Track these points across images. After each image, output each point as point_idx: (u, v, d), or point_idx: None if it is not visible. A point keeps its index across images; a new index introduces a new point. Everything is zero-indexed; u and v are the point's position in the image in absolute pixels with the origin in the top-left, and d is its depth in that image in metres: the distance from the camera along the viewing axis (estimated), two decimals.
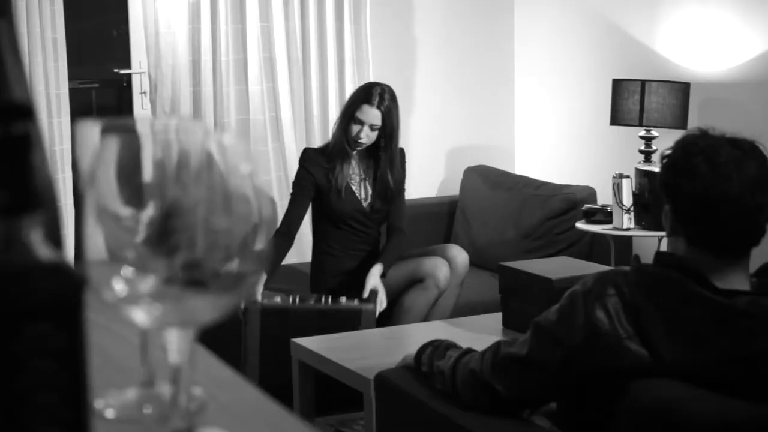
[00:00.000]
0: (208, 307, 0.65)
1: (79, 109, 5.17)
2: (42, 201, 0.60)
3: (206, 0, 4.99)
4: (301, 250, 5.23)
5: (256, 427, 0.84)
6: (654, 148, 4.62)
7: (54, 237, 0.70)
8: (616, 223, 4.56)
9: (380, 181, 4.24)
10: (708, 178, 1.97)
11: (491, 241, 5.05)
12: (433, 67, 5.64)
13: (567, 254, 4.78)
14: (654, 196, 4.35)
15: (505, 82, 5.84)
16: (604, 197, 4.84)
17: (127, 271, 0.63)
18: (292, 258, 5.14)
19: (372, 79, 5.25)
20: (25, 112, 0.59)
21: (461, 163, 5.55)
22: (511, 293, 3.51)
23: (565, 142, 5.60)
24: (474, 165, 5.49)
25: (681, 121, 4.62)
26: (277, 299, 3.95)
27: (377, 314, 4.00)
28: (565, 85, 5.57)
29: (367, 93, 4.20)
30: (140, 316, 0.65)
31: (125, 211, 0.63)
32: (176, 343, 0.66)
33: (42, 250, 0.58)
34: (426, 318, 4.11)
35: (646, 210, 4.46)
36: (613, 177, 4.56)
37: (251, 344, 3.89)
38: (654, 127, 4.67)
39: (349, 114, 4.19)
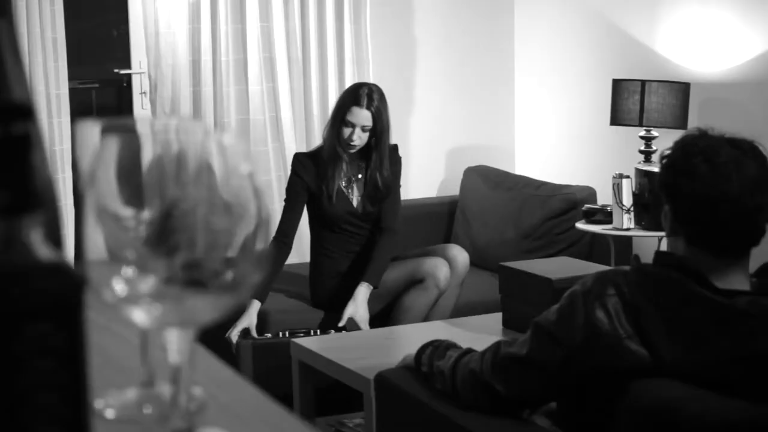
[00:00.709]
0: (208, 307, 0.65)
1: (79, 109, 5.17)
2: (42, 201, 0.60)
3: (206, 0, 4.99)
4: (301, 251, 5.23)
5: (256, 427, 0.84)
6: (654, 148, 4.62)
7: (54, 237, 0.70)
8: (616, 223, 4.56)
9: (371, 182, 4.23)
10: (708, 178, 1.97)
11: (491, 241, 5.05)
12: (433, 67, 5.64)
13: (567, 254, 4.78)
14: (654, 197, 4.35)
15: (505, 82, 5.84)
16: (604, 197, 4.84)
17: (127, 271, 0.63)
18: (292, 258, 5.14)
19: (372, 80, 5.25)
20: (25, 112, 0.59)
21: (461, 163, 5.55)
22: (511, 293, 3.51)
23: (565, 142, 5.60)
24: (474, 165, 5.49)
25: (681, 121, 4.62)
26: (268, 335, 3.97)
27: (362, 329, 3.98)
28: (565, 85, 5.57)
29: (356, 95, 4.18)
30: (140, 316, 0.65)
31: (125, 211, 0.63)
32: (176, 343, 0.66)
33: (42, 250, 0.58)
34: (426, 318, 4.10)
35: (646, 210, 4.46)
36: (613, 177, 4.56)
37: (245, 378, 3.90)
38: (654, 127, 4.67)
39: (339, 117, 4.15)
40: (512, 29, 5.82)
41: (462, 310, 4.16)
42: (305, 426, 0.83)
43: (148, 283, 0.63)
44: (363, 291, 4.05)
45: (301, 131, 5.26)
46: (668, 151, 2.07)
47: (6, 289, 0.56)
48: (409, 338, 3.50)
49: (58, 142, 4.75)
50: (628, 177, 4.54)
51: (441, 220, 5.37)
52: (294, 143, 5.20)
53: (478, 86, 5.76)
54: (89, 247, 0.63)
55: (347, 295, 4.07)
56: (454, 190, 5.50)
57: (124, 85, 5.34)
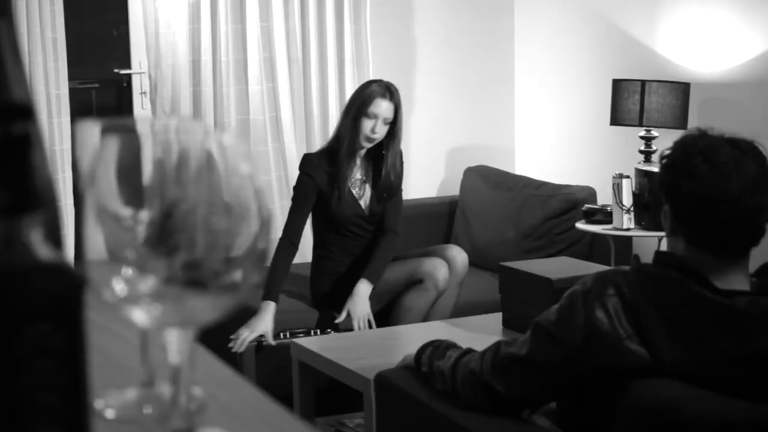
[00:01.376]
0: (208, 307, 0.65)
1: (79, 109, 5.17)
2: (42, 201, 0.60)
3: (206, 0, 4.99)
4: (301, 251, 5.22)
5: (256, 427, 0.84)
6: (654, 148, 4.62)
7: (54, 237, 0.70)
8: (616, 223, 4.56)
9: (384, 182, 4.21)
10: (707, 178, 1.97)
11: (491, 241, 5.05)
12: (433, 67, 5.64)
13: (567, 254, 4.77)
14: (654, 197, 4.35)
15: (505, 82, 5.84)
16: (604, 197, 4.84)
17: (127, 271, 0.63)
18: None
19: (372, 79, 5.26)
20: (25, 112, 0.59)
21: (461, 163, 5.55)
22: (511, 293, 3.51)
23: (565, 142, 5.60)
24: (474, 165, 5.49)
25: (681, 121, 4.62)
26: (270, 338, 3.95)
27: (361, 328, 3.97)
28: (565, 85, 5.57)
29: (380, 86, 4.17)
30: (140, 316, 0.65)
31: (125, 211, 0.63)
32: (176, 343, 0.66)
33: (42, 250, 0.58)
34: (425, 318, 4.10)
35: (646, 210, 4.46)
36: (613, 177, 4.56)
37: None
38: (654, 127, 4.67)
39: (362, 110, 4.10)
40: (512, 29, 5.82)
41: (462, 310, 4.16)
42: (305, 426, 0.83)
43: (148, 283, 0.63)
44: (362, 287, 4.05)
45: (301, 131, 5.26)
46: (668, 151, 2.07)
47: (6, 289, 0.56)
48: (409, 338, 3.50)
49: (58, 142, 4.75)
50: (628, 177, 4.54)
51: (441, 220, 5.37)
52: (294, 143, 5.20)
53: (478, 86, 5.76)
54: (89, 247, 0.63)
55: (347, 295, 4.07)
56: (454, 190, 5.50)
57: (124, 85, 5.34)
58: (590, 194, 4.96)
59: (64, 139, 4.78)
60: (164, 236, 0.62)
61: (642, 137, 4.69)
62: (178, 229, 0.62)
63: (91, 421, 0.60)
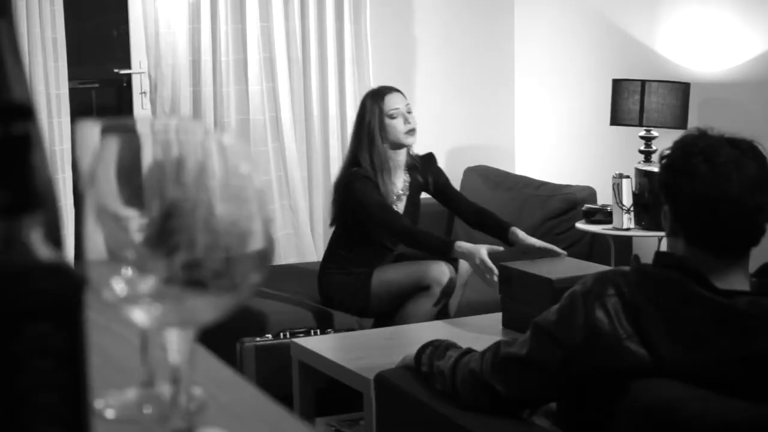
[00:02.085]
0: (208, 307, 0.65)
1: (79, 109, 5.17)
2: (42, 201, 0.60)
3: (206, 0, 4.99)
4: (302, 250, 5.23)
5: (256, 427, 0.84)
6: (654, 148, 4.62)
7: (54, 237, 0.70)
8: (616, 223, 4.56)
9: (427, 184, 4.19)
10: (707, 178, 1.96)
11: (491, 242, 5.04)
12: (433, 67, 5.64)
13: (567, 254, 4.78)
14: (654, 197, 4.35)
15: (505, 82, 5.84)
16: (604, 197, 4.84)
17: (127, 271, 0.63)
18: (291, 258, 5.15)
19: (372, 79, 5.26)
20: (25, 112, 0.59)
21: (461, 163, 5.55)
22: (511, 293, 3.51)
23: (565, 142, 5.60)
24: (474, 165, 5.49)
25: (681, 121, 4.62)
26: (268, 336, 3.95)
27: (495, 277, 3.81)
28: (565, 85, 5.57)
29: (378, 90, 4.16)
30: (140, 316, 0.65)
31: (125, 211, 0.63)
32: (176, 343, 0.66)
33: (42, 250, 0.58)
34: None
35: (646, 210, 4.46)
36: (613, 177, 4.56)
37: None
38: (654, 127, 4.67)
39: (382, 116, 4.05)
40: (512, 29, 5.83)
41: (462, 310, 4.16)
42: (305, 426, 0.83)
43: (148, 283, 0.63)
44: (519, 231, 4.01)
45: (301, 131, 5.26)
46: (668, 151, 2.07)
47: (6, 289, 0.56)
48: (409, 338, 3.50)
49: (58, 142, 4.76)
50: (628, 177, 4.54)
51: (441, 220, 5.37)
52: (294, 143, 5.20)
53: (478, 86, 5.76)
54: (89, 247, 0.63)
55: (353, 292, 4.06)
56: None
57: (124, 85, 5.34)
58: (590, 194, 4.96)
59: (64, 139, 4.78)
60: (164, 236, 0.62)
61: (642, 137, 4.69)
62: (178, 229, 0.62)
63: (91, 421, 0.60)
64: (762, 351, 1.93)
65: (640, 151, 4.69)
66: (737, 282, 2.00)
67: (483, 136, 5.80)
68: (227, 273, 0.63)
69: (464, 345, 2.41)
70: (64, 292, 0.57)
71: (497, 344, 2.21)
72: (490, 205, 5.16)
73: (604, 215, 4.66)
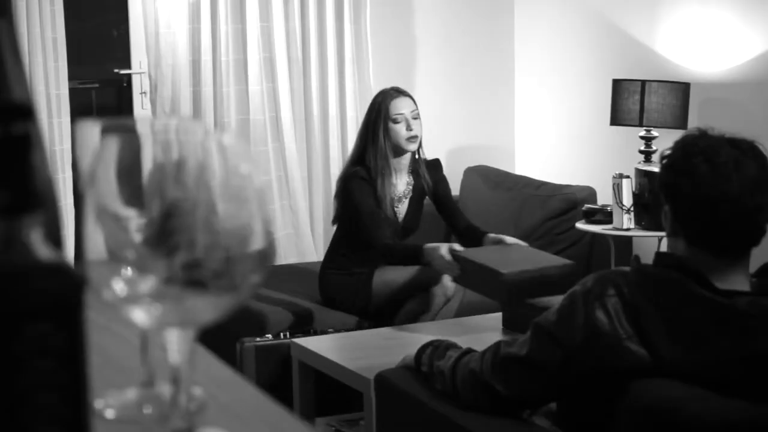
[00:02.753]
0: (208, 307, 0.65)
1: (79, 109, 5.17)
2: (42, 201, 0.60)
3: (206, 0, 4.99)
4: (302, 250, 5.23)
5: (256, 427, 0.84)
6: (654, 148, 4.62)
7: (54, 237, 0.70)
8: (616, 223, 4.56)
9: (427, 189, 4.18)
10: (708, 178, 1.97)
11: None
12: (433, 67, 5.64)
13: (567, 254, 4.77)
14: (654, 197, 4.35)
15: (505, 82, 5.84)
16: (604, 197, 4.84)
17: (127, 271, 0.63)
18: (291, 258, 5.15)
19: (372, 79, 5.26)
20: (25, 112, 0.59)
21: (461, 163, 5.55)
22: (466, 282, 3.57)
23: (565, 142, 5.60)
24: (474, 165, 5.49)
25: (681, 121, 4.62)
26: (268, 336, 3.94)
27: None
28: (565, 85, 5.57)
29: (387, 92, 4.13)
30: (140, 316, 0.65)
31: (125, 211, 0.63)
32: (176, 343, 0.66)
33: (42, 250, 0.58)
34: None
35: (646, 210, 4.46)
36: (613, 177, 4.56)
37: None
38: (654, 127, 4.67)
39: (386, 119, 4.04)
40: (512, 29, 5.82)
41: (462, 310, 4.16)
42: (305, 426, 0.83)
43: (148, 283, 0.63)
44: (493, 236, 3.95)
45: (301, 131, 5.26)
46: (668, 151, 2.07)
47: (6, 289, 0.56)
48: (409, 338, 3.50)
49: (58, 142, 4.76)
50: (628, 177, 4.54)
51: (441, 220, 5.37)
52: (294, 143, 5.20)
53: (478, 86, 5.76)
54: (89, 247, 0.63)
55: (353, 292, 4.06)
56: (454, 190, 5.46)
57: (124, 85, 5.34)
58: (590, 194, 4.96)
59: (64, 139, 4.78)
60: (164, 236, 0.62)
61: (642, 137, 4.69)
62: (178, 229, 0.62)
63: (91, 421, 0.60)
64: (762, 351, 1.93)
65: (640, 151, 4.69)
66: (737, 282, 2.00)
67: (483, 136, 5.80)
68: (227, 273, 0.63)
69: (464, 345, 2.41)
70: (64, 292, 0.57)
71: (497, 344, 2.21)
72: (490, 205, 5.17)
73: (604, 215, 4.66)
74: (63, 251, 0.71)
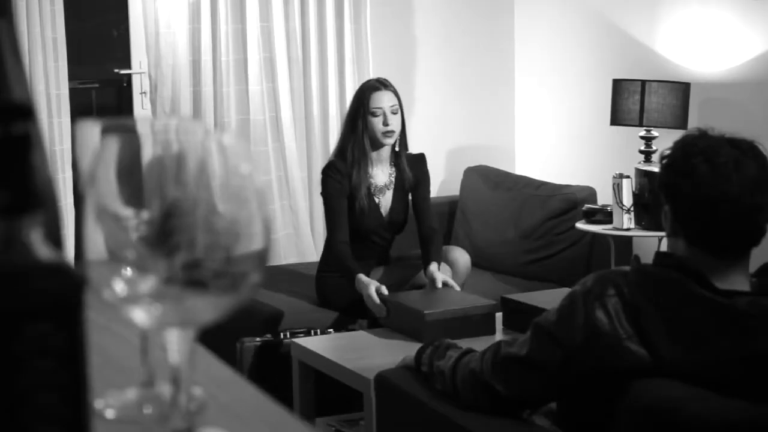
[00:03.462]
0: (208, 307, 0.65)
1: (79, 109, 5.17)
2: (42, 201, 0.60)
3: (206, 0, 4.99)
4: (302, 250, 5.23)
5: (256, 427, 0.84)
6: (654, 148, 4.62)
7: (54, 237, 0.70)
8: (616, 223, 4.56)
9: (406, 182, 4.19)
10: (707, 178, 1.97)
11: (491, 241, 5.05)
12: (433, 67, 5.64)
13: (567, 254, 4.79)
14: (654, 197, 4.34)
15: (505, 82, 5.84)
16: (604, 197, 4.84)
17: (127, 271, 0.63)
18: (291, 258, 5.15)
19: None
20: (25, 112, 0.59)
21: (461, 163, 5.55)
22: (391, 323, 3.72)
23: (565, 142, 5.60)
24: (474, 165, 5.49)
25: (681, 121, 4.62)
26: (268, 335, 3.94)
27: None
28: (565, 85, 5.57)
29: (369, 84, 4.15)
30: (140, 316, 0.65)
31: (125, 211, 0.63)
32: (176, 343, 0.66)
33: (42, 250, 0.58)
34: None
35: (646, 210, 4.46)
36: (613, 177, 4.56)
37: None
38: (654, 127, 4.67)
39: (365, 111, 4.06)
40: (512, 29, 5.82)
41: None
42: (305, 426, 0.83)
43: (148, 283, 0.63)
44: (436, 266, 3.98)
45: (301, 131, 5.26)
46: (668, 151, 2.07)
47: (6, 289, 0.56)
48: (408, 338, 3.50)
49: (58, 142, 4.75)
50: (628, 177, 4.54)
51: (441, 220, 5.36)
52: (294, 143, 5.20)
53: (478, 86, 5.76)
54: (89, 247, 0.63)
55: (349, 295, 4.06)
56: (454, 190, 5.50)
57: (124, 85, 5.34)
58: (590, 194, 4.96)
59: (64, 139, 4.78)
60: (164, 236, 0.62)
61: (642, 137, 4.69)
62: (178, 229, 0.62)
63: (91, 421, 0.60)
64: (762, 351, 1.93)
65: (641, 151, 4.69)
66: (737, 282, 2.00)
67: (483, 136, 5.80)
68: (227, 273, 0.63)
69: (464, 345, 2.41)
70: (64, 292, 0.57)
71: (497, 344, 2.21)
72: (490, 205, 5.17)
73: (604, 215, 4.66)
74: (63, 251, 0.71)
